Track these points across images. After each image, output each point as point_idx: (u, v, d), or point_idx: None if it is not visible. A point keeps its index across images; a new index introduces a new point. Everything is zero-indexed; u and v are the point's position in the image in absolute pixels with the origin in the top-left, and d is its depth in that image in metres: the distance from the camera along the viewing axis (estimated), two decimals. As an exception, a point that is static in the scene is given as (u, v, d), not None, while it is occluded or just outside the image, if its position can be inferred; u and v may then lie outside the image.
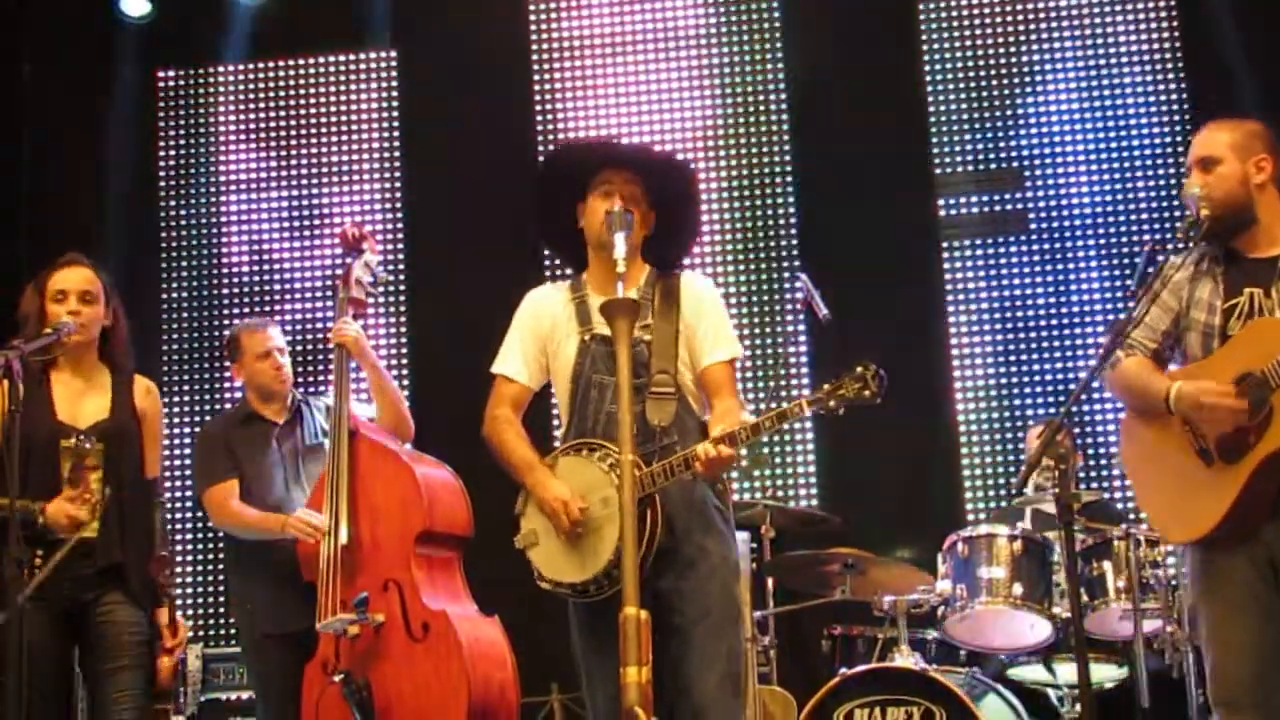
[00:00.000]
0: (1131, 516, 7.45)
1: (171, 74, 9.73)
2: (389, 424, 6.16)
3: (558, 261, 8.98)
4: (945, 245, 8.89)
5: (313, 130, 9.63)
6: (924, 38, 9.09)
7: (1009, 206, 8.89)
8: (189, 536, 9.09)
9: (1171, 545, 4.80)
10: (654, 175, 4.88)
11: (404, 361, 9.14)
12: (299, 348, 9.24)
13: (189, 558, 9.08)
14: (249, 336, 6.33)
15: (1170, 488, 4.69)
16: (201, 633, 8.79)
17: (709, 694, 4.58)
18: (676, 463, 4.48)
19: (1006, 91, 8.96)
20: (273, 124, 9.67)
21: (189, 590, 9.03)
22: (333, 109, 9.65)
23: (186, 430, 9.07)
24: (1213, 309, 4.67)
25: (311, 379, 9.14)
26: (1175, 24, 8.81)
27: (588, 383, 4.76)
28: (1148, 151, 8.72)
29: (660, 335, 4.73)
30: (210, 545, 9.10)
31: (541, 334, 4.92)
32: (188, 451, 8.71)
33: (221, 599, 8.99)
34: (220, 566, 8.99)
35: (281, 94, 9.68)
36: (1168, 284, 4.74)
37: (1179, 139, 8.63)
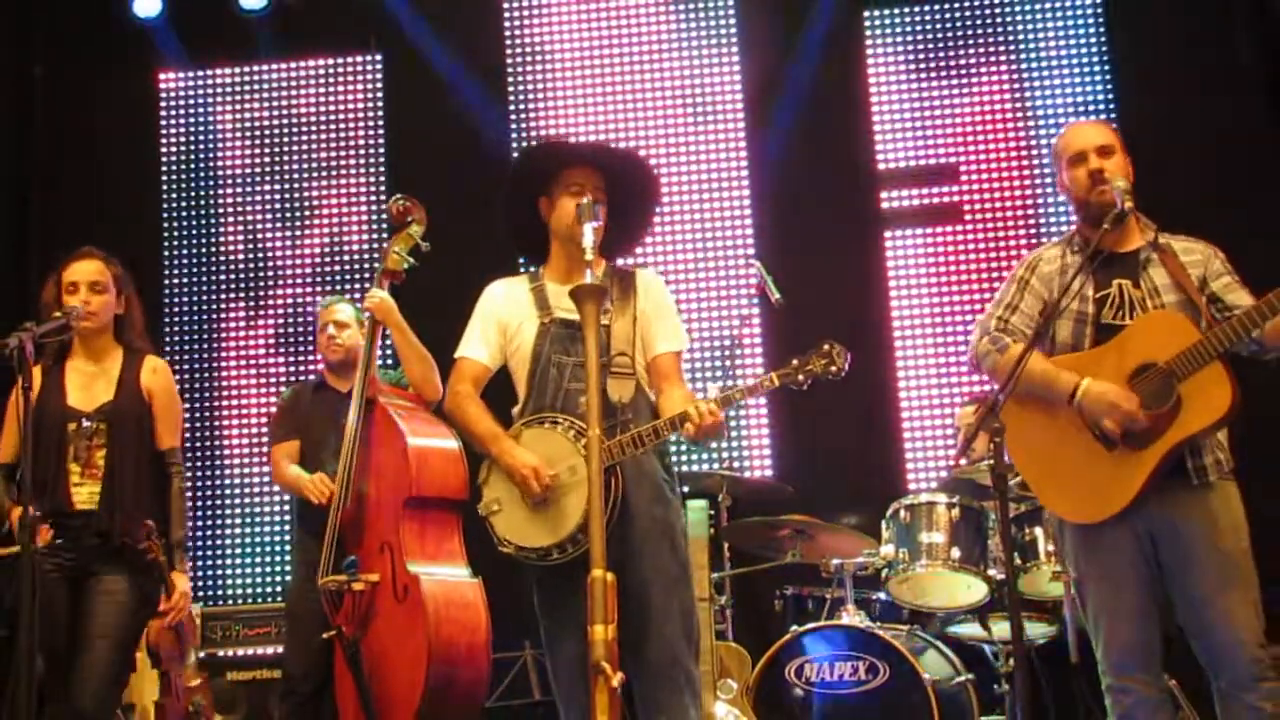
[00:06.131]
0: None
1: (173, 76, 9.67)
2: (415, 383, 6.04)
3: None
4: (888, 235, 8.86)
5: (303, 129, 9.57)
6: (869, 44, 9.07)
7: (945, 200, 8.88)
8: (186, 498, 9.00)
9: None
10: (614, 172, 4.83)
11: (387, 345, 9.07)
12: (289, 330, 9.25)
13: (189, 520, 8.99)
14: (320, 313, 6.43)
15: (1068, 470, 4.59)
16: (201, 592, 8.72)
17: (667, 646, 4.54)
18: (662, 427, 4.45)
19: (944, 93, 8.94)
20: (266, 123, 9.61)
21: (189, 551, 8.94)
22: (322, 109, 9.59)
23: (185, 409, 8.94)
24: (1084, 298, 4.60)
25: (301, 359, 9.11)
26: (1102, 28, 8.81)
27: (547, 361, 4.69)
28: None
29: (619, 322, 4.68)
30: (210, 506, 9.07)
31: (502, 319, 4.85)
32: (190, 429, 8.82)
33: (221, 558, 8.99)
34: (218, 529, 9.05)
35: (274, 95, 9.62)
36: (1038, 275, 4.73)
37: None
